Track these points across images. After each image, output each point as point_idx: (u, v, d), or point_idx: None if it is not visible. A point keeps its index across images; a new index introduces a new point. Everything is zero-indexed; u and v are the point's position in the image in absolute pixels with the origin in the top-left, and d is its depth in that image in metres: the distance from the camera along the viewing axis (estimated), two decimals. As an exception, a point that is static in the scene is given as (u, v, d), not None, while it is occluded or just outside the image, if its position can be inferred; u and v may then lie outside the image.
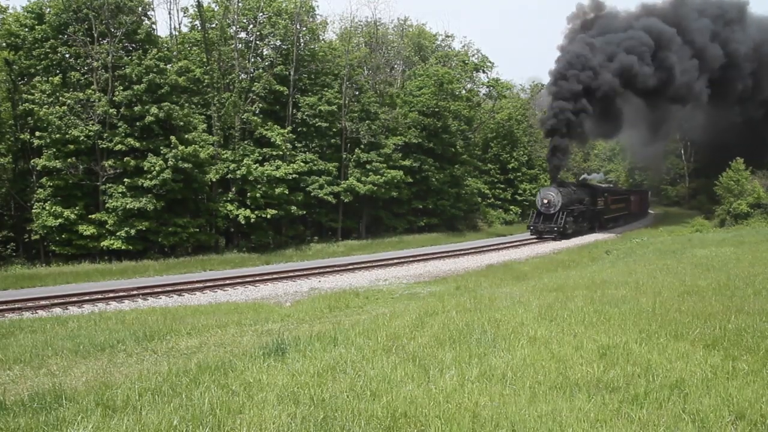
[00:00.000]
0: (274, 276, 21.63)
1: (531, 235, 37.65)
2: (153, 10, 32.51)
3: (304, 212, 34.41)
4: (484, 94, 54.78)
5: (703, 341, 6.23)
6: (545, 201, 36.52)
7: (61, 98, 26.36)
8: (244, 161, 30.86)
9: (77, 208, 26.68)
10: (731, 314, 7.32)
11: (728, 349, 5.90)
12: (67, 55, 28.09)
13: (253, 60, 34.78)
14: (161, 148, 27.44)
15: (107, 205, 27.04)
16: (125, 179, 27.03)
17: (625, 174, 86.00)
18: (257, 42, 35.02)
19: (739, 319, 7.06)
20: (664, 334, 6.50)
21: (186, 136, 28.72)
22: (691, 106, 48.28)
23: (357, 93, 38.67)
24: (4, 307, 15.53)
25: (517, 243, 35.21)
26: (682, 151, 68.73)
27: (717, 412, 4.27)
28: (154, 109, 27.10)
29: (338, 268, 23.74)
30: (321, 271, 23.08)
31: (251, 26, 34.81)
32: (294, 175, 32.48)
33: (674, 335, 6.48)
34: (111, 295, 17.61)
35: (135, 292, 18.02)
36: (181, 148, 27.18)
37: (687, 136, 63.08)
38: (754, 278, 10.79)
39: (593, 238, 37.28)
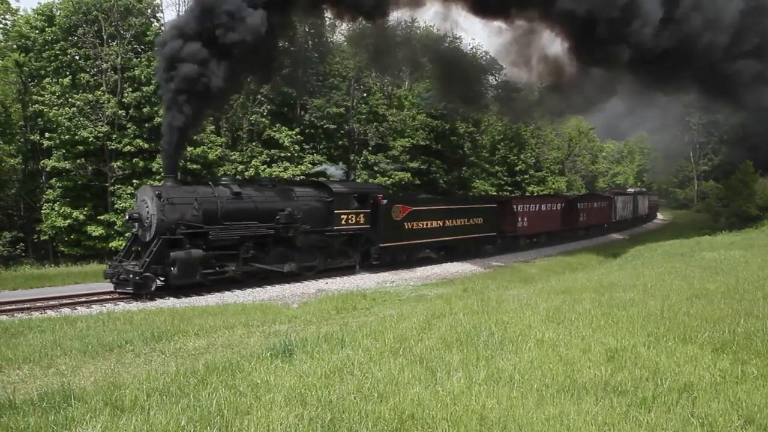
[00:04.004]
0: (282, 277, 21.60)
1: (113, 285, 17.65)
2: (162, 12, 32.71)
3: (312, 213, 34.38)
4: (492, 96, 54.67)
5: (712, 345, 6.19)
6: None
7: (70, 100, 26.54)
8: (252, 162, 30.98)
9: (86, 208, 26.86)
10: (740, 318, 7.27)
11: (737, 353, 5.86)
12: (77, 57, 28.28)
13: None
14: (170, 149, 27.58)
15: (116, 206, 27.20)
16: (134, 180, 27.19)
17: (633, 176, 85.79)
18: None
19: (749, 322, 7.01)
20: (673, 338, 6.47)
21: (194, 137, 28.87)
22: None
23: (365, 95, 38.71)
24: (14, 306, 15.61)
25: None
26: (691, 154, 68.46)
27: (726, 416, 4.25)
28: (162, 110, 27.25)
29: (346, 270, 23.70)
30: (328, 272, 23.02)
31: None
32: (302, 177, 32.56)
33: (683, 339, 6.45)
34: (119, 295, 17.66)
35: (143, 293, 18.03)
36: (189, 149, 27.32)
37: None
38: (764, 281, 10.70)
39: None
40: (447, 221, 26.50)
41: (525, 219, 32.28)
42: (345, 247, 22.67)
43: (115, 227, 26.81)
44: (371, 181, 34.95)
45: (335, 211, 21.64)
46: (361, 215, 22.48)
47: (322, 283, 20.96)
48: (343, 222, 21.86)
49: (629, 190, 63.19)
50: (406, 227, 24.30)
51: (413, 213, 24.73)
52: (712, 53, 28.58)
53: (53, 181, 27.20)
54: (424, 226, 25.30)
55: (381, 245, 23.26)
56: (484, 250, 30.13)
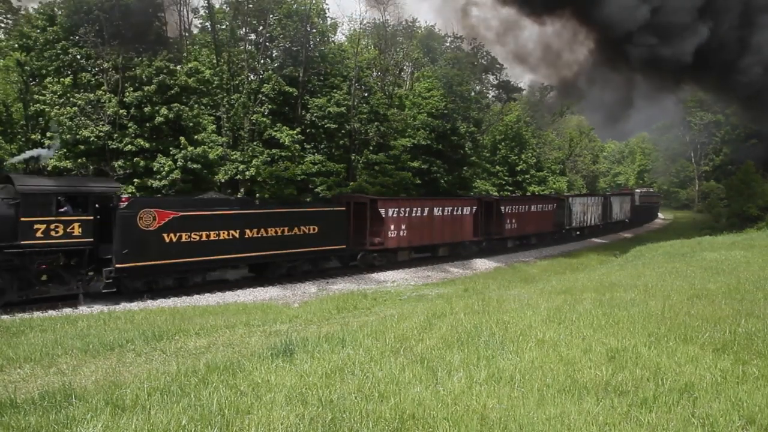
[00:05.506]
0: (282, 276, 21.63)
1: None
2: (163, 11, 32.65)
3: (313, 213, 34.34)
4: (493, 96, 54.80)
5: (713, 345, 6.19)
6: None
7: (71, 99, 26.55)
8: (253, 162, 30.97)
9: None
10: (741, 318, 7.27)
11: (738, 353, 5.86)
12: (78, 57, 28.29)
13: (262, 61, 34.88)
14: (171, 148, 27.59)
15: (117, 205, 27.17)
16: (135, 180, 27.17)
17: (634, 176, 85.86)
18: (267, 44, 35.13)
19: (750, 323, 7.01)
20: (674, 338, 6.46)
21: (195, 136, 28.85)
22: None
23: (366, 95, 38.72)
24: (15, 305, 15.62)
25: None
26: (692, 154, 68.48)
27: (727, 416, 4.25)
28: (163, 110, 27.24)
29: (346, 269, 23.72)
30: (329, 271, 23.04)
31: (261, 28, 34.93)
32: (303, 176, 32.55)
33: (683, 339, 6.44)
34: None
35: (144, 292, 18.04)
36: (190, 148, 27.32)
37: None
38: (765, 282, 10.71)
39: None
40: (248, 231, 19.87)
41: (403, 227, 25.49)
42: (57, 270, 16.26)
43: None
44: (370, 182, 34.75)
45: (23, 219, 15.10)
46: (76, 224, 15.91)
47: (323, 283, 20.97)
48: (39, 234, 15.29)
49: (637, 190, 62.87)
50: (167, 240, 17.72)
51: (178, 221, 18.03)
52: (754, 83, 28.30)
53: (54, 180, 27.20)
54: (203, 239, 18.60)
55: (120, 266, 16.64)
56: (325, 269, 23.37)
